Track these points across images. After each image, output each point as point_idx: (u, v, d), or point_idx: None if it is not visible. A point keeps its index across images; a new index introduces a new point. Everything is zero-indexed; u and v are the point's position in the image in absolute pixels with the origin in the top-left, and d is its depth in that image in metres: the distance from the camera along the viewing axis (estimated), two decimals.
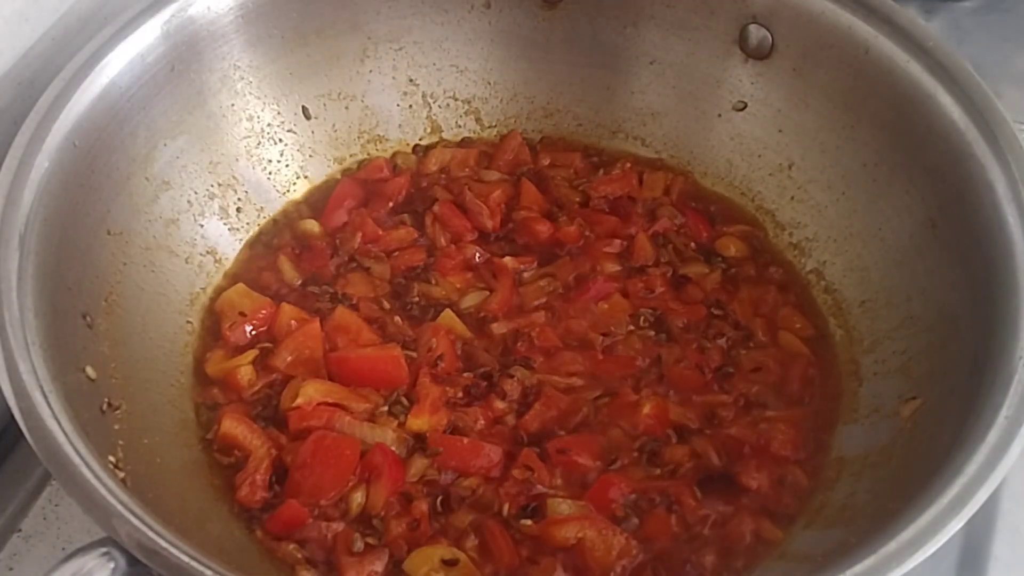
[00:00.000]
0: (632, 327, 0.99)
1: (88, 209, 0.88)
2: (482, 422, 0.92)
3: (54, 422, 0.70)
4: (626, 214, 1.08)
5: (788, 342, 0.98)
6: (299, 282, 1.02)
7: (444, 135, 1.15)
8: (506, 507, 0.87)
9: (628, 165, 1.12)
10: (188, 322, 0.97)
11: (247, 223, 1.05)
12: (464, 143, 1.15)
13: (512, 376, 0.94)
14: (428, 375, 0.93)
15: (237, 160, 1.05)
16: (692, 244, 1.06)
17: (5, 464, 0.94)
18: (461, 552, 0.83)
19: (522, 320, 0.99)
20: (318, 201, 1.09)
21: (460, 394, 0.93)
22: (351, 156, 1.12)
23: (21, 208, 0.80)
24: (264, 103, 1.06)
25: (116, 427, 0.82)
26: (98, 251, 0.89)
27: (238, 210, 1.05)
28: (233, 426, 0.90)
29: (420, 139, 1.14)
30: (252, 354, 0.95)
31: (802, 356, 0.97)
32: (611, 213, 1.08)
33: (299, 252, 1.04)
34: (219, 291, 1.00)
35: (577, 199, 1.09)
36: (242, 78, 1.03)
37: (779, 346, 0.98)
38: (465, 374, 0.95)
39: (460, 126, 1.15)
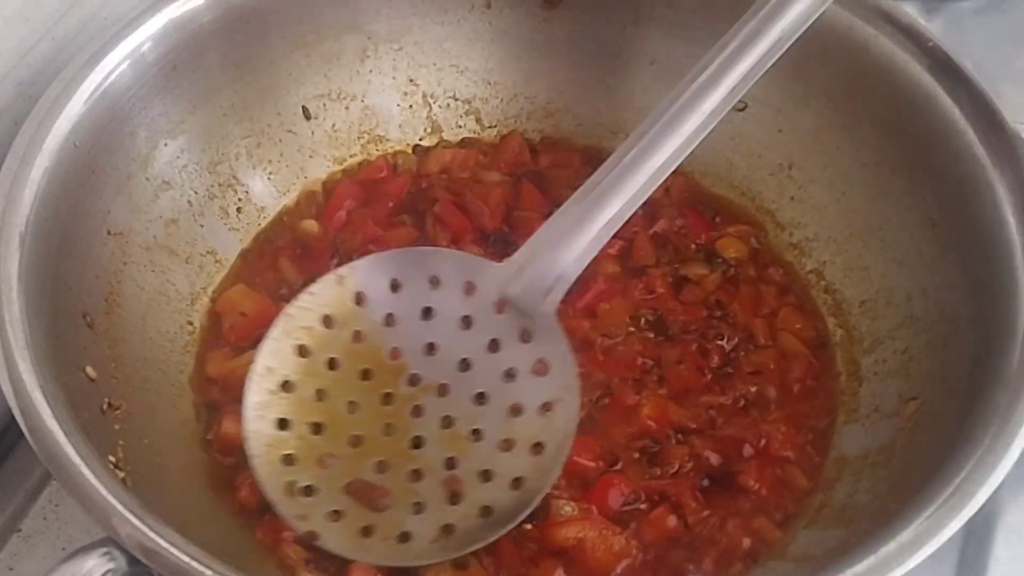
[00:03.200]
0: (632, 328, 0.99)
1: (88, 209, 0.88)
2: None
3: (54, 422, 0.70)
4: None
5: (788, 343, 0.98)
6: (300, 282, 1.02)
7: (444, 135, 1.15)
8: None
9: None
10: (188, 322, 0.97)
11: (247, 223, 1.05)
12: (464, 143, 1.15)
13: None
14: None
15: (237, 160, 1.05)
16: (692, 245, 1.06)
17: (5, 464, 0.95)
18: (472, 557, 0.83)
19: None
20: (318, 201, 1.09)
21: None
22: (351, 156, 1.12)
23: (21, 208, 0.80)
24: (264, 103, 1.06)
25: (116, 427, 0.82)
26: (98, 251, 0.89)
27: (238, 210, 1.05)
28: (233, 426, 0.90)
29: (420, 139, 1.14)
30: (252, 354, 0.95)
31: (802, 357, 0.97)
32: None
33: (299, 252, 1.04)
34: (219, 291, 1.01)
35: None
36: (242, 78, 1.03)
37: (779, 347, 0.98)
38: None
39: (460, 126, 1.15)
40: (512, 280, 0.84)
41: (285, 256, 1.04)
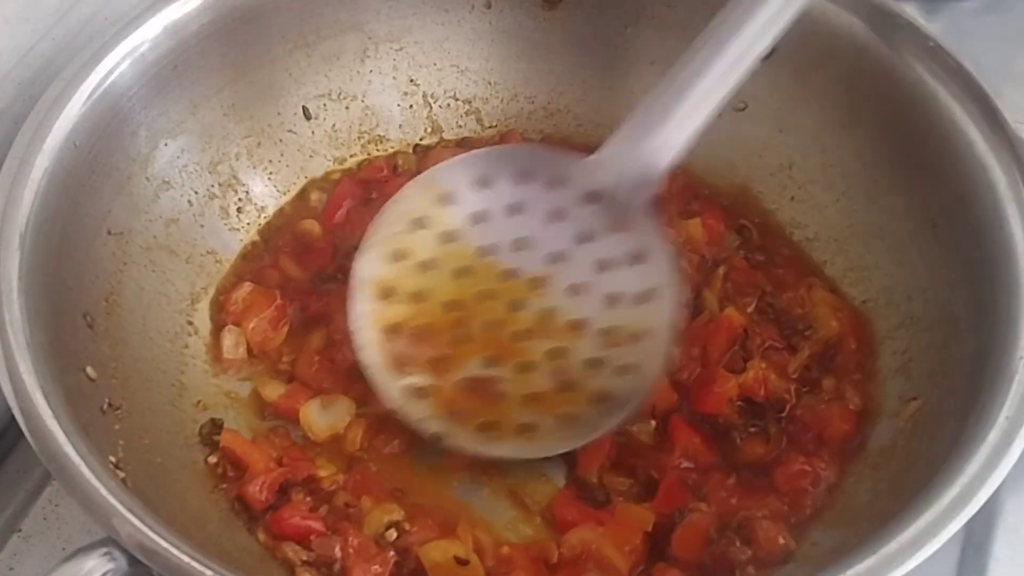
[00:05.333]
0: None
1: (88, 209, 0.88)
2: None
3: (54, 422, 0.71)
4: None
5: (824, 300, 0.97)
6: (303, 281, 1.02)
7: (445, 135, 1.15)
8: None
9: None
10: (189, 322, 0.97)
11: (247, 223, 1.05)
12: (464, 143, 1.15)
13: None
14: None
15: (237, 160, 1.05)
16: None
17: (5, 464, 0.95)
18: (474, 555, 0.83)
19: None
20: (318, 201, 1.09)
21: None
22: (351, 156, 1.12)
23: (21, 208, 0.80)
24: (264, 103, 1.06)
25: (116, 427, 0.82)
26: (98, 251, 0.89)
27: (238, 210, 1.05)
28: (234, 439, 0.90)
29: (420, 139, 1.14)
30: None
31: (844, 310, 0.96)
32: None
33: (300, 252, 1.04)
34: (220, 291, 1.00)
35: None
36: (242, 78, 1.03)
37: (818, 313, 0.97)
38: None
39: (461, 126, 1.15)
40: (601, 172, 0.83)
41: (286, 256, 1.04)
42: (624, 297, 0.83)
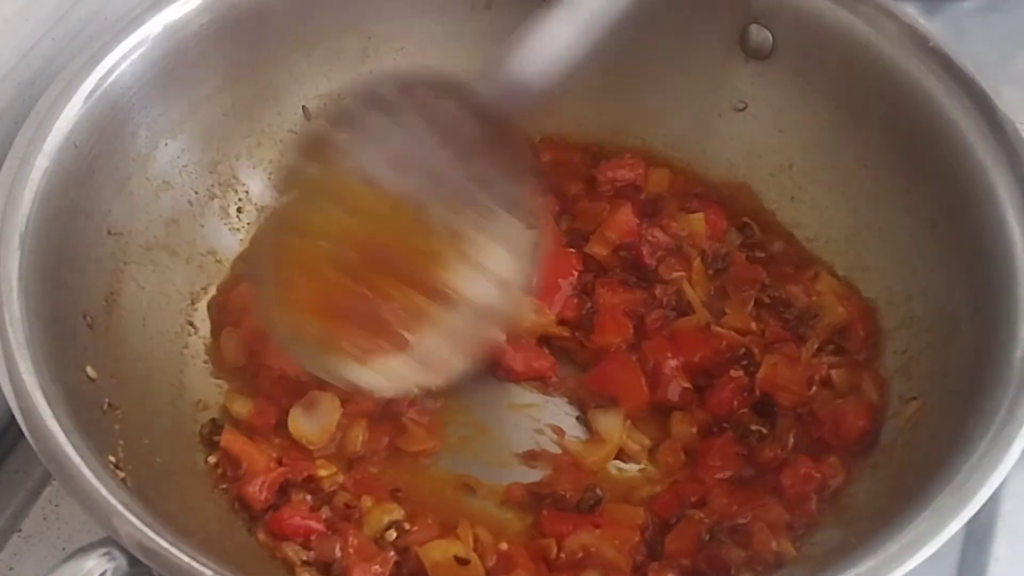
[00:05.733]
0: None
1: (88, 209, 0.88)
2: None
3: (54, 422, 0.70)
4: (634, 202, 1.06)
5: (830, 288, 0.97)
6: None
7: None
8: None
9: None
10: (189, 322, 0.97)
11: (247, 223, 1.05)
12: None
13: None
14: None
15: (238, 160, 1.05)
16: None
17: (5, 464, 0.94)
18: (474, 554, 0.84)
19: None
20: None
21: None
22: None
23: (21, 208, 0.80)
24: (265, 103, 1.05)
25: (116, 427, 0.82)
26: (98, 251, 0.89)
27: (239, 210, 1.05)
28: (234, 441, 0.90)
29: None
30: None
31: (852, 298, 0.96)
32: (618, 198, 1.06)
33: None
34: (221, 291, 1.00)
35: (580, 189, 1.08)
36: (242, 78, 1.02)
37: (823, 302, 0.97)
38: None
39: None
40: (477, 88, 0.83)
41: None
42: (496, 211, 0.82)
